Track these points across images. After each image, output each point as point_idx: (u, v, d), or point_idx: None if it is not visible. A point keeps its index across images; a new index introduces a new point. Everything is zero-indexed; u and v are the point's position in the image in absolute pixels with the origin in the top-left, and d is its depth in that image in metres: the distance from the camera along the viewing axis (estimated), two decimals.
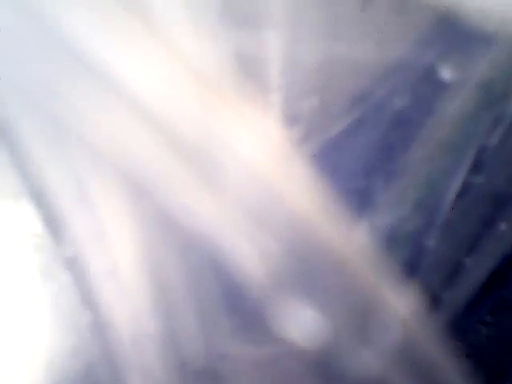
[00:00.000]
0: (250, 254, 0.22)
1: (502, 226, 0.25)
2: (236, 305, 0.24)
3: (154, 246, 0.23)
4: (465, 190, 0.25)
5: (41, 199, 0.23)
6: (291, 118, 0.24)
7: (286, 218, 0.22)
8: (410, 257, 0.25)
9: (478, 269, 0.25)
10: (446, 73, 0.24)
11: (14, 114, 0.22)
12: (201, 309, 0.24)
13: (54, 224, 0.23)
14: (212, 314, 0.24)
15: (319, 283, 0.23)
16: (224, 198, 0.22)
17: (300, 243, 0.23)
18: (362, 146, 0.25)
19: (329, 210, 0.22)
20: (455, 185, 0.25)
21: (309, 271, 0.23)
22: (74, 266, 0.23)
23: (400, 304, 0.22)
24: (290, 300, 0.23)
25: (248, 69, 0.24)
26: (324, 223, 0.23)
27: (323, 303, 0.23)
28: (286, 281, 0.23)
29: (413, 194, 0.25)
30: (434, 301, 0.25)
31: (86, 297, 0.23)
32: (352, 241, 0.23)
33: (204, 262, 0.23)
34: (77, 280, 0.23)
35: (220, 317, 0.24)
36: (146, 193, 0.22)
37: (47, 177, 0.22)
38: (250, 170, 0.21)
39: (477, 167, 0.25)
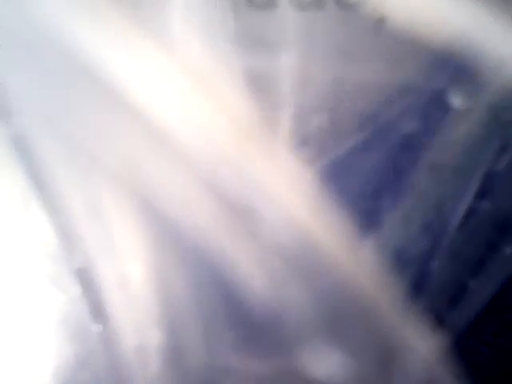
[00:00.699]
0: (255, 271, 0.23)
1: (507, 250, 0.25)
2: (240, 319, 0.24)
3: (162, 259, 0.24)
4: (471, 213, 0.25)
5: (53, 210, 0.23)
6: (302, 138, 0.25)
7: (293, 236, 0.23)
8: (415, 278, 0.25)
9: (481, 291, 0.25)
10: (455, 97, 0.24)
11: (30, 129, 0.22)
12: (205, 322, 0.24)
13: (65, 235, 0.23)
14: (216, 328, 0.24)
15: (325, 301, 0.23)
16: (231, 216, 0.22)
17: (306, 260, 0.23)
18: (369, 168, 0.25)
19: (336, 229, 0.23)
20: (461, 208, 0.25)
21: (313, 288, 0.23)
22: (84, 277, 0.24)
23: (405, 326, 0.22)
24: (296, 318, 0.23)
25: (261, 89, 0.24)
26: (331, 242, 0.23)
27: (328, 321, 0.23)
28: (292, 298, 0.23)
29: (419, 216, 0.25)
30: (438, 322, 0.25)
31: (95, 307, 0.24)
32: (358, 260, 0.23)
33: (210, 276, 0.24)
34: (86, 291, 0.24)
35: (224, 330, 0.24)
36: (156, 208, 0.23)
37: (60, 189, 0.23)
38: (264, 190, 0.22)
39: (483, 192, 0.25)
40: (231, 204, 0.22)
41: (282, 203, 0.22)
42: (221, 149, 0.21)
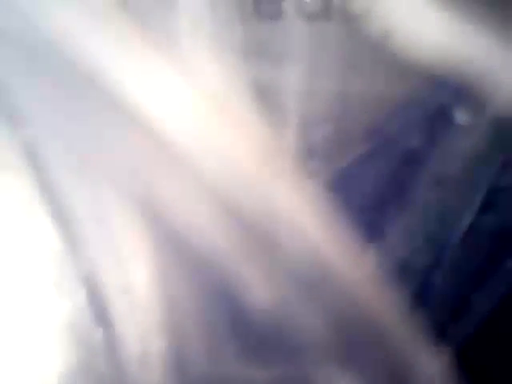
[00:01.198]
0: (260, 282, 0.23)
1: (509, 264, 0.25)
2: (243, 327, 0.24)
3: (166, 267, 0.24)
4: (473, 227, 0.25)
5: (60, 217, 0.24)
6: (308, 150, 0.25)
7: (296, 246, 0.23)
8: (418, 291, 0.25)
9: (483, 305, 0.26)
10: (460, 112, 0.24)
11: (39, 138, 0.22)
12: (208, 329, 0.25)
13: (71, 242, 0.24)
14: (219, 335, 0.25)
15: (329, 313, 0.23)
16: (232, 223, 0.22)
17: (309, 271, 0.23)
18: (373, 180, 0.25)
19: (342, 242, 0.23)
20: (464, 222, 0.25)
21: (317, 301, 0.23)
22: (89, 284, 0.24)
23: (408, 340, 0.23)
24: (300, 328, 0.23)
25: (267, 100, 0.24)
26: (337, 255, 0.23)
27: (331, 332, 0.23)
28: (296, 309, 0.23)
29: (422, 229, 0.25)
30: (440, 335, 0.25)
31: (99, 314, 0.24)
32: (363, 273, 0.23)
33: (214, 284, 0.24)
34: (91, 297, 0.24)
35: (227, 338, 0.25)
36: (162, 218, 0.23)
37: (67, 196, 0.23)
38: (266, 199, 0.22)
39: (486, 206, 0.25)
40: (240, 219, 0.22)
41: (289, 217, 0.22)
42: (232, 165, 0.22)
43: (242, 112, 0.23)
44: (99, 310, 0.24)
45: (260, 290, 0.22)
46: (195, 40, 0.23)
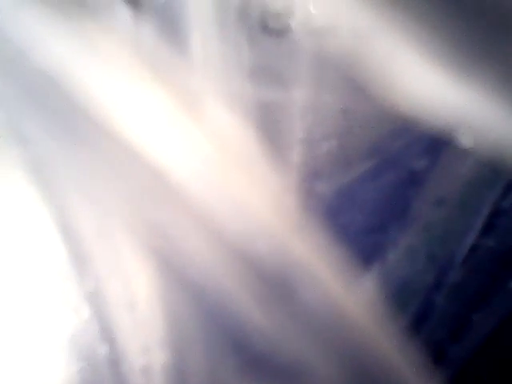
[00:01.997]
0: (258, 308, 0.23)
1: (510, 285, 0.25)
2: (242, 344, 0.24)
3: (169, 285, 0.24)
4: (475, 249, 0.25)
5: (67, 235, 0.24)
6: (312, 170, 0.25)
7: (299, 279, 0.23)
8: (419, 310, 0.25)
9: (484, 325, 0.26)
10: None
11: (44, 156, 0.22)
12: (209, 344, 0.25)
13: (77, 259, 0.24)
14: (220, 350, 0.25)
15: (323, 334, 0.23)
16: (228, 248, 0.22)
17: (310, 298, 0.23)
18: (374, 200, 0.26)
19: (340, 267, 0.23)
20: (466, 243, 0.25)
21: (313, 320, 0.23)
22: (94, 300, 0.24)
23: (403, 360, 0.23)
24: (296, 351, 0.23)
25: (272, 121, 0.24)
26: (332, 275, 0.23)
27: (325, 353, 0.23)
28: (294, 333, 0.23)
29: (424, 249, 0.25)
30: (440, 355, 0.25)
31: (103, 329, 0.24)
32: (358, 294, 0.23)
33: (215, 303, 0.24)
34: (96, 313, 0.24)
35: (227, 353, 0.25)
36: (163, 236, 0.23)
37: (74, 216, 0.23)
38: (263, 227, 0.22)
39: (488, 228, 0.25)
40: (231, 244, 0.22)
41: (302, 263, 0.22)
42: (245, 211, 0.22)
43: (250, 153, 0.23)
44: (103, 326, 0.24)
45: (256, 312, 0.23)
46: (204, 61, 0.23)
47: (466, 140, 0.24)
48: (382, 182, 0.25)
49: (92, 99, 0.20)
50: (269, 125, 0.25)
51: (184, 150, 0.22)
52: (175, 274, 0.23)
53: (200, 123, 0.22)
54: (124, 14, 0.22)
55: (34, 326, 0.24)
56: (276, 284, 0.22)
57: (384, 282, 0.25)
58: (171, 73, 0.22)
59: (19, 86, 0.21)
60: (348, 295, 0.22)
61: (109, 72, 0.21)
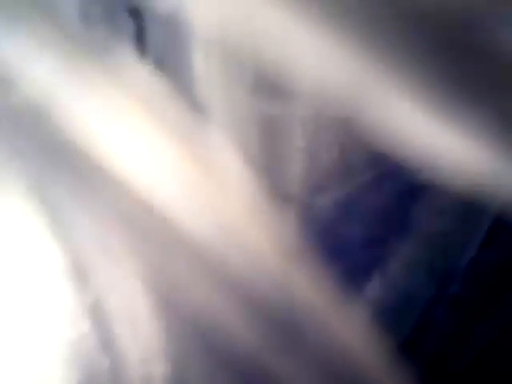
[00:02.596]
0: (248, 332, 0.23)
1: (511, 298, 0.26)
2: (239, 359, 0.24)
3: (169, 297, 0.24)
4: (476, 261, 0.25)
5: (67, 246, 0.24)
6: (310, 182, 0.25)
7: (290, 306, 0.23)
8: (419, 323, 0.25)
9: (485, 337, 0.26)
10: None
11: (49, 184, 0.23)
12: (209, 357, 0.25)
13: (78, 272, 0.24)
14: (218, 364, 0.25)
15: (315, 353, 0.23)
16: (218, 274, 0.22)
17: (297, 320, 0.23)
18: (374, 211, 0.26)
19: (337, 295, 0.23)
20: (467, 256, 0.25)
21: (305, 339, 0.23)
22: (95, 312, 0.24)
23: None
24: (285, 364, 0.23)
25: (274, 135, 0.25)
26: (334, 310, 0.23)
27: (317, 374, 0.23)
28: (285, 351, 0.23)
29: (425, 262, 0.25)
30: (440, 367, 0.25)
31: (104, 341, 0.24)
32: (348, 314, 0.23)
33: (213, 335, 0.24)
34: (96, 325, 0.24)
35: (224, 365, 0.25)
36: (164, 273, 0.23)
37: (75, 226, 0.24)
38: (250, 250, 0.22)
39: (489, 241, 0.25)
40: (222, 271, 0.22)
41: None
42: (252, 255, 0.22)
43: (252, 193, 0.23)
44: (104, 338, 0.24)
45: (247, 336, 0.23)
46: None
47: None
48: (382, 194, 0.25)
49: (94, 143, 0.21)
50: (268, 139, 0.25)
51: (183, 189, 0.22)
52: (174, 309, 0.23)
53: (202, 165, 0.22)
54: (127, 53, 0.22)
55: (35, 338, 0.24)
56: (279, 321, 0.22)
57: (384, 295, 0.25)
58: (175, 116, 0.22)
59: (33, 139, 0.21)
60: (349, 330, 0.22)
61: (114, 118, 0.21)
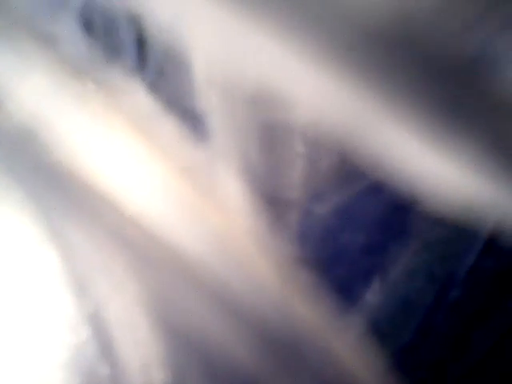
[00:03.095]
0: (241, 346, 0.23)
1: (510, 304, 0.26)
2: (238, 366, 0.24)
3: (168, 306, 0.24)
4: (475, 269, 0.25)
5: (67, 256, 0.24)
6: (309, 189, 0.25)
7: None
8: (419, 330, 0.25)
9: (484, 344, 0.26)
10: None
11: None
12: (208, 364, 0.25)
13: (78, 280, 0.24)
14: (216, 369, 0.25)
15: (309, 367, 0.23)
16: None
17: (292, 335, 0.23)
18: (374, 218, 0.26)
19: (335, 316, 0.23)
20: (466, 263, 0.25)
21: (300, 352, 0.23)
22: (95, 321, 0.24)
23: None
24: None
25: (273, 142, 0.25)
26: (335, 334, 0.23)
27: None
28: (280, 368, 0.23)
29: (424, 269, 0.26)
30: (440, 373, 0.25)
31: (104, 349, 0.25)
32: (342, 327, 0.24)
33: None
34: (96, 333, 0.25)
35: (224, 372, 0.25)
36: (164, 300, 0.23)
37: (74, 237, 0.24)
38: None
39: (488, 249, 0.25)
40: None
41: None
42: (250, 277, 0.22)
43: (254, 220, 0.23)
44: (104, 345, 0.25)
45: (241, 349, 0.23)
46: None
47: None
48: (382, 201, 0.26)
49: (87, 162, 0.21)
50: (268, 146, 0.25)
51: (179, 208, 0.22)
52: (173, 327, 0.23)
53: (200, 187, 0.22)
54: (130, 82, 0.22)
55: (35, 346, 0.24)
56: (278, 340, 0.22)
57: (384, 301, 0.25)
58: (177, 143, 0.22)
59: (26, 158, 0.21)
60: (348, 349, 0.22)
61: (108, 138, 0.21)
